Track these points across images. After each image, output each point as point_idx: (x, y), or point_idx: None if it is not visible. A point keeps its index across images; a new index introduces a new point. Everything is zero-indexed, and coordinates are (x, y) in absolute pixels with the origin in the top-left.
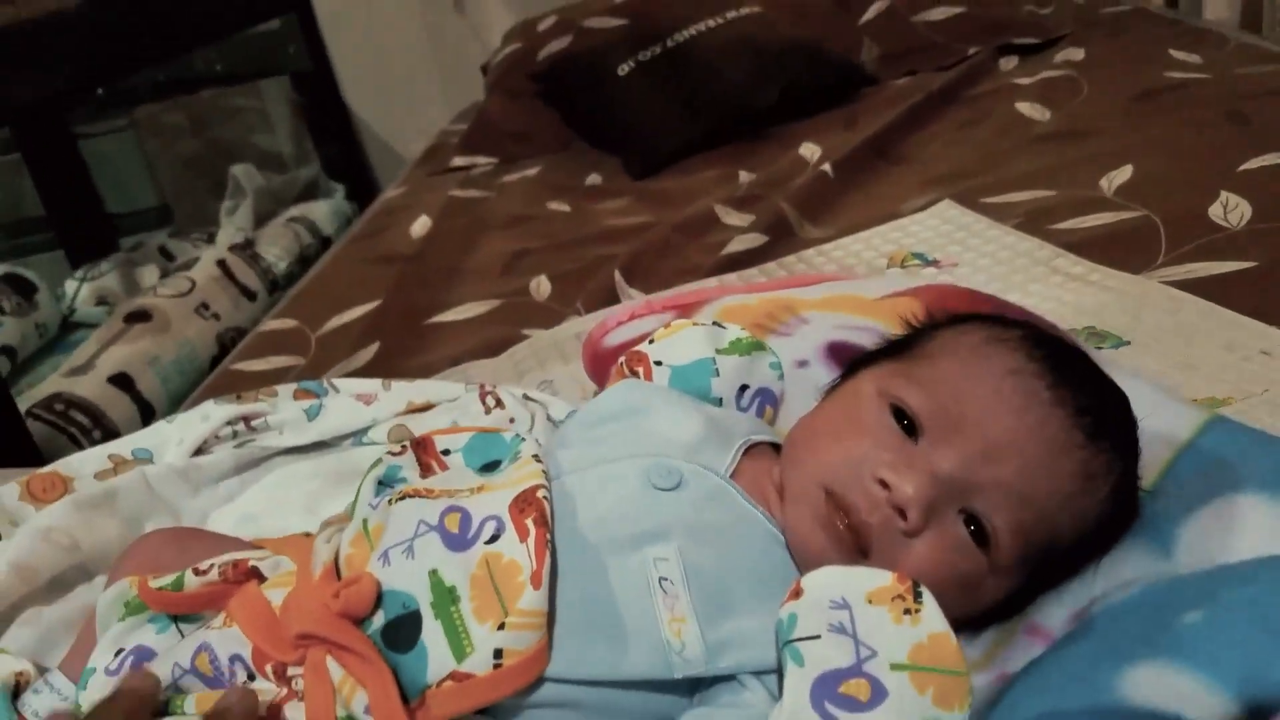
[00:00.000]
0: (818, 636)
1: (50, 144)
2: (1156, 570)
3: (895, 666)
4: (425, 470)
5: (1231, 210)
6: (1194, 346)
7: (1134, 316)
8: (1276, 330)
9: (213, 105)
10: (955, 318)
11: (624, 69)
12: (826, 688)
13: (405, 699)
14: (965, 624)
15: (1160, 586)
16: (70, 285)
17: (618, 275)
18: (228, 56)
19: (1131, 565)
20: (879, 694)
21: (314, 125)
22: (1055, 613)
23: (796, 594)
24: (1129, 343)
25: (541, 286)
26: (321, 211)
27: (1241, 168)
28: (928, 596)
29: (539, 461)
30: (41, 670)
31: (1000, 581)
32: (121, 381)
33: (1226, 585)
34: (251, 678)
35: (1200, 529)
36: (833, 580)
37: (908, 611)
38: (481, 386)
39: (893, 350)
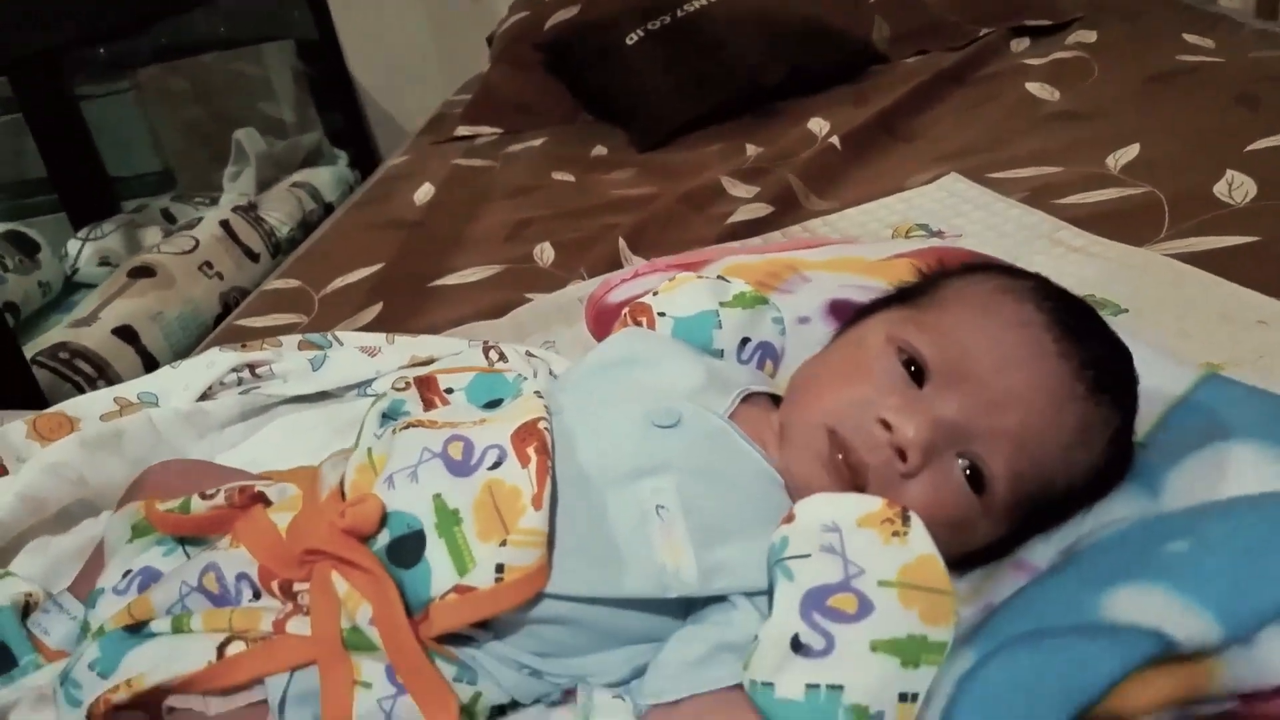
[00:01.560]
0: (808, 555)
1: (51, 103)
2: (1144, 510)
3: (883, 583)
4: (428, 406)
5: (1236, 188)
6: (1191, 316)
7: (1134, 287)
8: (1275, 301)
9: (215, 70)
10: (967, 266)
11: (632, 38)
12: (815, 600)
13: (409, 612)
14: (954, 564)
15: (1146, 521)
16: (73, 245)
17: (622, 243)
18: (231, 20)
19: (1120, 508)
20: (866, 608)
21: (317, 92)
22: (1043, 551)
23: (790, 519)
24: (1127, 311)
25: (545, 253)
26: (324, 178)
27: (1249, 148)
28: (916, 520)
29: (541, 398)
30: (49, 595)
31: (992, 525)
32: (126, 334)
33: (1211, 518)
34: (257, 595)
35: (1189, 474)
36: (825, 506)
37: (896, 534)
38: (485, 342)
39: (903, 297)
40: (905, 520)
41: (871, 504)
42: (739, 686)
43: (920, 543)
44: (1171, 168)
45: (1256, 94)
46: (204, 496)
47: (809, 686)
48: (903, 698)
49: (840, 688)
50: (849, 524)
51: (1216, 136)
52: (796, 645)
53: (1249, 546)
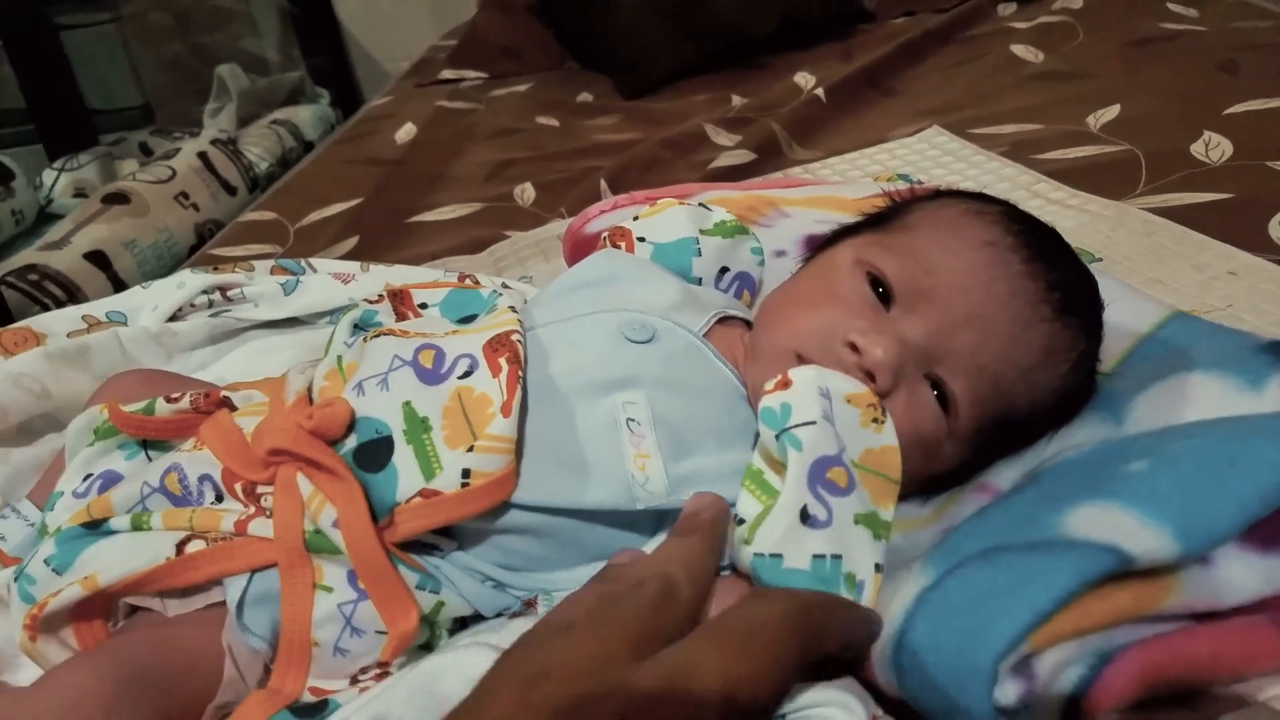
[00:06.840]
0: (813, 423)
1: (32, 32)
2: (1107, 436)
3: (853, 464)
4: (401, 319)
5: (1213, 148)
6: (1164, 265)
7: (1108, 237)
8: (1245, 254)
9: (199, 4)
10: (937, 191)
11: None
12: (818, 473)
13: (373, 518)
14: (922, 489)
15: (1108, 444)
16: (48, 175)
17: (603, 184)
18: None
19: (1084, 434)
20: (851, 483)
21: (302, 31)
22: (1007, 475)
23: (785, 385)
24: (1101, 259)
25: (526, 193)
26: (305, 116)
27: (1227, 111)
28: (889, 416)
29: (514, 312)
30: (7, 503)
31: (957, 447)
32: (98, 260)
33: (1171, 439)
34: (220, 498)
35: (1153, 402)
36: (818, 374)
37: (875, 420)
38: (460, 273)
39: (873, 222)
40: (884, 411)
41: (857, 385)
42: None
43: (890, 435)
44: (1150, 127)
45: (1237, 61)
46: (169, 400)
47: (815, 556)
48: (876, 568)
49: (840, 557)
50: (838, 398)
51: (1196, 99)
52: (804, 516)
53: (1207, 465)
